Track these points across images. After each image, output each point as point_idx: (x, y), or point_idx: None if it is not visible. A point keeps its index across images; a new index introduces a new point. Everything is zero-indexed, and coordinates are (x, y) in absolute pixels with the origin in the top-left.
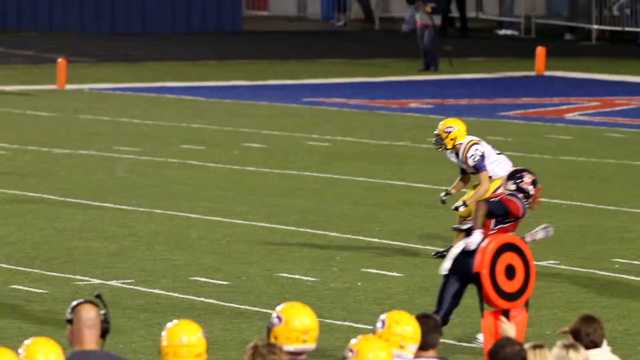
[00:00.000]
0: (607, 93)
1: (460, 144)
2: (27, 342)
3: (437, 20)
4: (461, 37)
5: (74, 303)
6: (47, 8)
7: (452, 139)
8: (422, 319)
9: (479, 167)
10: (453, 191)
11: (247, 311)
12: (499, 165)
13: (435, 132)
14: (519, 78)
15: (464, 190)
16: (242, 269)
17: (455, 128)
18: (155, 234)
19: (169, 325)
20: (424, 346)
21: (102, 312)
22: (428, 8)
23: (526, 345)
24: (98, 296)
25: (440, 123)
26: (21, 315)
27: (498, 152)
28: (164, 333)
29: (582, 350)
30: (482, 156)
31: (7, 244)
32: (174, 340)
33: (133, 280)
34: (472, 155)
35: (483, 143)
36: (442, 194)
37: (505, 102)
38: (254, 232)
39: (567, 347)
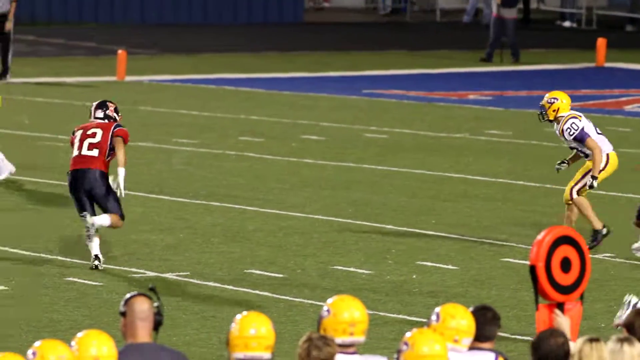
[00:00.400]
0: None
1: (562, 116)
2: (79, 334)
3: (514, 12)
4: (523, 29)
5: (128, 296)
6: (108, 0)
7: (554, 110)
8: (480, 310)
9: (580, 138)
10: (570, 162)
11: (302, 304)
12: (600, 143)
13: (541, 102)
14: (579, 70)
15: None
16: (297, 262)
17: (559, 100)
18: (212, 226)
19: (239, 316)
20: (481, 338)
21: (156, 304)
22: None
23: (581, 339)
24: (152, 289)
25: (547, 94)
26: (75, 307)
27: (599, 132)
28: (234, 324)
29: (637, 344)
30: (582, 129)
31: (62, 236)
32: (244, 332)
33: (188, 273)
34: (568, 128)
35: (583, 118)
36: (558, 163)
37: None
38: (309, 225)
39: (621, 340)
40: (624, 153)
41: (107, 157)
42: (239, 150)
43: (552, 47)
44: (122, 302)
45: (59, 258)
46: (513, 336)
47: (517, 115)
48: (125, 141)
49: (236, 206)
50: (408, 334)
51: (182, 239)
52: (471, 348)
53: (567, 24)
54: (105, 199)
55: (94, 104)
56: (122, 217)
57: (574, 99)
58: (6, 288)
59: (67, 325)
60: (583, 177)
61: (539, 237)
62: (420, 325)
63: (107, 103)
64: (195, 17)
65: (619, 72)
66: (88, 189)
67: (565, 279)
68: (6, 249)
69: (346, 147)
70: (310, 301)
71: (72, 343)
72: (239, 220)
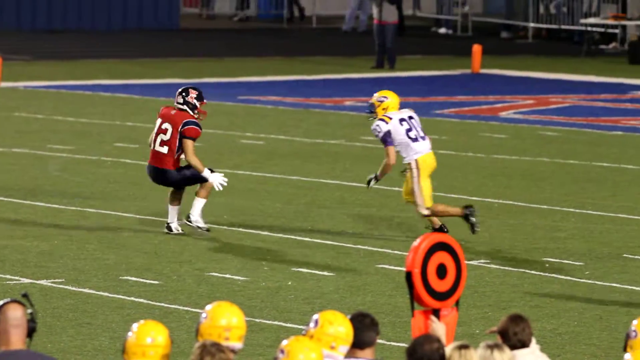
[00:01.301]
0: (542, 91)
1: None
2: (136, 325)
3: (395, 17)
4: (398, 35)
5: (0, 303)
6: None
7: (384, 109)
8: (359, 317)
9: (382, 141)
10: (380, 176)
11: (177, 310)
12: (405, 149)
13: (370, 100)
14: (455, 76)
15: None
16: (173, 268)
17: (388, 99)
18: (87, 232)
19: (136, 325)
20: (360, 344)
21: (29, 311)
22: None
23: (451, 346)
24: (25, 295)
25: (376, 93)
26: None
27: (416, 136)
28: (130, 333)
29: (507, 351)
30: (386, 132)
31: None
32: (141, 340)
33: (63, 280)
34: (374, 129)
35: (393, 121)
36: (368, 180)
37: (441, 100)
38: (186, 231)
39: (491, 347)
40: (498, 159)
41: (177, 154)
42: (114, 156)
43: (428, 53)
44: None
45: None
46: (389, 343)
47: None
48: (194, 138)
49: (112, 212)
50: (284, 342)
51: (57, 246)
52: (349, 356)
53: (442, 30)
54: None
55: (180, 89)
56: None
57: (450, 105)
58: None
59: None
60: (415, 196)
61: (415, 243)
62: (296, 331)
63: (190, 89)
64: (70, 23)
65: (495, 79)
66: (160, 184)
67: (441, 286)
68: None
69: (222, 153)
70: (186, 308)
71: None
72: (115, 227)
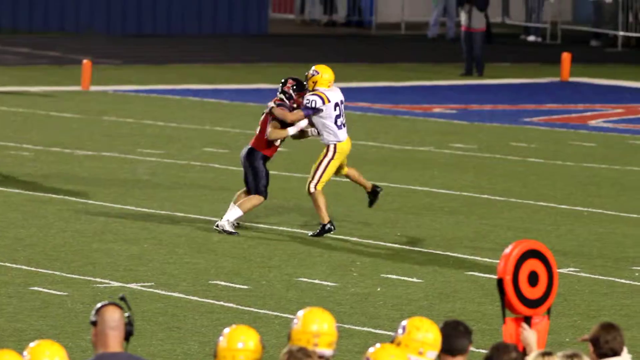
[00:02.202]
0: (632, 100)
1: (317, 90)
2: (32, 344)
3: (482, 24)
4: (486, 43)
5: (99, 305)
6: (73, 9)
7: (313, 82)
8: (453, 324)
9: (304, 110)
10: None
11: (266, 315)
12: (327, 130)
13: (306, 73)
14: (544, 84)
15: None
16: (262, 273)
17: (320, 73)
18: (177, 236)
19: (227, 329)
20: (452, 351)
21: (127, 314)
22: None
23: (535, 353)
24: (122, 298)
25: (314, 66)
26: (40, 317)
27: (340, 124)
28: (221, 337)
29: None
30: (314, 107)
31: (27, 245)
32: (232, 344)
33: (153, 284)
34: (307, 100)
35: (329, 104)
36: None
37: (530, 108)
38: (274, 236)
39: (569, 357)
40: (588, 168)
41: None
42: (203, 161)
43: (516, 61)
44: (93, 311)
45: (24, 267)
46: (478, 350)
47: (481, 129)
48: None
49: (201, 217)
50: (370, 350)
51: (147, 249)
52: None
53: (531, 38)
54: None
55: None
56: (260, 193)
57: (538, 113)
58: None
59: (32, 334)
60: (316, 171)
61: (507, 250)
62: (385, 338)
63: (289, 79)
64: (159, 28)
65: (584, 87)
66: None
67: (532, 293)
68: None
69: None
70: (275, 313)
71: (25, 353)
72: (204, 231)
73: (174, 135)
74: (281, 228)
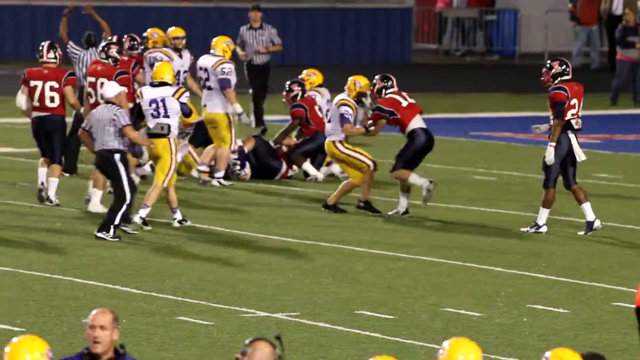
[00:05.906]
0: None
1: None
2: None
3: (635, 54)
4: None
5: (253, 337)
6: None
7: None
8: (592, 357)
9: (347, 119)
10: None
11: (412, 345)
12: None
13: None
14: None
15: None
16: (407, 303)
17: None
18: (321, 266)
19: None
20: None
21: (278, 354)
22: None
23: None
24: (278, 337)
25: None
26: (186, 347)
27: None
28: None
29: None
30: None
31: (174, 275)
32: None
33: (299, 313)
34: (346, 111)
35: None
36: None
37: None
38: (418, 266)
39: None
40: None
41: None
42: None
43: None
44: (247, 342)
45: (170, 297)
46: None
47: (626, 159)
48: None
49: (345, 247)
50: None
51: (292, 279)
52: None
53: None
54: None
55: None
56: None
57: None
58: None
59: None
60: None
61: None
62: None
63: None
64: (303, 58)
65: None
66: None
67: None
68: (116, 287)
69: (454, 190)
70: (420, 343)
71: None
72: (348, 261)
73: None
74: (423, 258)
